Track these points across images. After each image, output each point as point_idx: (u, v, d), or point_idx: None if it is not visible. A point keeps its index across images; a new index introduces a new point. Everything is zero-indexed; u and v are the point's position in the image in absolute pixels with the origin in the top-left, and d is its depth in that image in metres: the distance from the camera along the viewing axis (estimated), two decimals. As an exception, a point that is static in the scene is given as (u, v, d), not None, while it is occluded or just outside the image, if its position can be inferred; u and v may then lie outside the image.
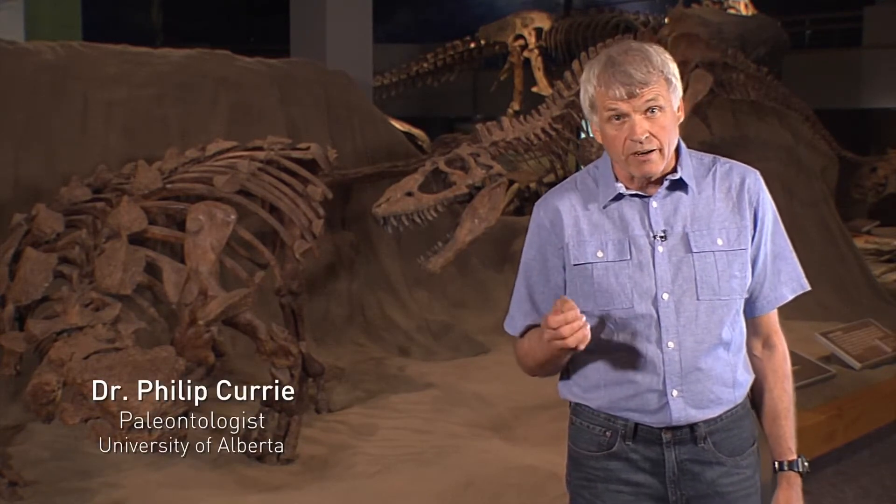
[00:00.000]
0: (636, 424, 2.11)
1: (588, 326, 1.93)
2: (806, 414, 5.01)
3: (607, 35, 9.90)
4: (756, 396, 2.23)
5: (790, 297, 2.19)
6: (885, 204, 12.23)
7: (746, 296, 2.14)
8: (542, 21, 12.19)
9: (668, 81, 2.04)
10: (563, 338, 1.91)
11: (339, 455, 4.41)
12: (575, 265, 2.12)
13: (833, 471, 5.05)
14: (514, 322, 2.25)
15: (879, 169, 11.88)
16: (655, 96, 2.01)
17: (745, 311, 2.16)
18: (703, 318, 2.06)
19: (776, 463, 2.22)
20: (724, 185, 2.11)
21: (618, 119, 2.03)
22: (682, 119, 2.10)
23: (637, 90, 1.99)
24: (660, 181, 2.09)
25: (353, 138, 6.93)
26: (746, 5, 11.42)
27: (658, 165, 2.04)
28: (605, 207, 2.12)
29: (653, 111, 2.01)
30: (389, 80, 12.15)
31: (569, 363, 2.20)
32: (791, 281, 2.18)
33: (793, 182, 8.31)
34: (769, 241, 2.14)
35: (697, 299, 2.05)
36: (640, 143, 2.01)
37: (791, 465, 2.20)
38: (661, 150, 2.03)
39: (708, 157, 2.16)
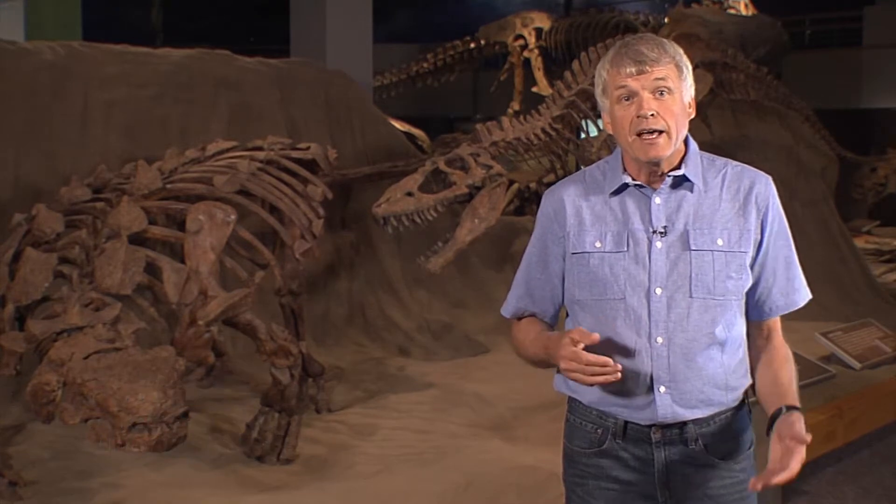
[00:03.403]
0: (626, 422, 2.11)
1: (616, 367, 1.96)
2: (806, 414, 4.99)
3: (607, 35, 9.90)
4: (755, 376, 2.17)
5: (801, 305, 2.18)
6: (885, 204, 12.24)
7: (753, 299, 2.14)
8: (542, 21, 12.19)
9: (679, 69, 2.06)
10: (580, 375, 1.97)
11: (339, 455, 4.41)
12: (573, 254, 2.14)
13: (833, 471, 5.05)
14: (507, 304, 2.31)
15: (879, 169, 11.89)
16: (665, 77, 2.03)
17: (749, 314, 2.16)
18: (696, 315, 2.06)
19: (775, 410, 2.04)
20: (732, 187, 2.11)
21: (627, 100, 2.04)
22: (692, 115, 2.11)
23: (647, 67, 2.02)
24: (664, 176, 2.09)
25: (353, 138, 6.93)
26: (746, 5, 11.42)
27: (664, 150, 2.04)
28: (609, 198, 2.13)
29: (661, 93, 2.03)
30: (389, 80, 12.15)
31: None
32: (802, 288, 2.18)
33: (793, 182, 8.31)
34: (781, 247, 2.13)
35: (690, 297, 2.05)
36: (647, 119, 2.01)
37: (797, 409, 2.06)
38: (667, 134, 2.03)
39: (720, 160, 2.17)
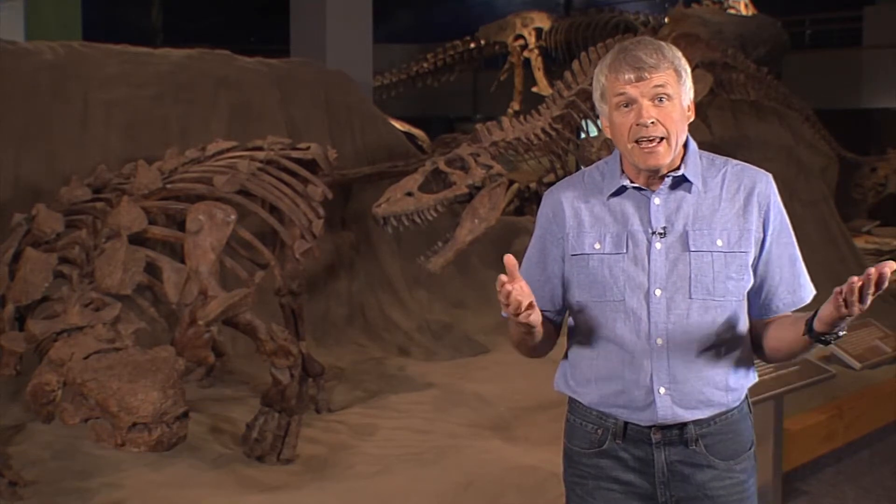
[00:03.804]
0: (626, 423, 2.11)
1: (522, 297, 1.93)
2: (806, 414, 5.01)
3: (607, 35, 9.89)
4: (768, 341, 2.14)
5: (808, 301, 2.17)
6: (885, 204, 12.23)
7: (760, 298, 2.13)
8: (542, 21, 12.19)
9: (678, 74, 2.05)
10: (506, 307, 1.94)
11: (339, 455, 4.41)
12: (573, 255, 2.13)
13: (833, 471, 5.05)
14: None
15: (879, 169, 11.88)
16: (664, 83, 2.02)
17: (756, 314, 2.15)
18: (695, 317, 2.05)
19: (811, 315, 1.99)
20: (732, 186, 2.10)
21: (626, 106, 2.03)
22: (691, 118, 2.10)
23: (646, 74, 2.00)
24: (664, 177, 2.09)
25: (353, 138, 6.93)
26: (746, 5, 11.42)
27: (664, 158, 2.03)
28: (608, 200, 2.12)
29: (661, 99, 2.02)
30: (389, 80, 12.16)
31: (565, 355, 2.24)
32: (807, 285, 2.17)
33: (793, 182, 8.30)
34: (784, 245, 2.12)
35: (690, 298, 2.05)
36: (646, 126, 2.00)
37: None
38: (667, 140, 2.02)
39: (720, 159, 2.16)
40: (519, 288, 1.93)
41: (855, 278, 1.82)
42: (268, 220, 4.65)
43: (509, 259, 1.94)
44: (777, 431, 4.41)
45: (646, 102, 2.01)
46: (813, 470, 4.97)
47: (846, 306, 1.85)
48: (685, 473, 2.11)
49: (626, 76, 2.01)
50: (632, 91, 2.02)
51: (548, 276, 2.20)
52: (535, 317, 1.99)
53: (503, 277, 1.92)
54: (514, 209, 10.07)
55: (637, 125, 2.01)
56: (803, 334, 2.00)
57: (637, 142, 2.02)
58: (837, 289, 1.86)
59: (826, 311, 1.92)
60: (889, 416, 5.59)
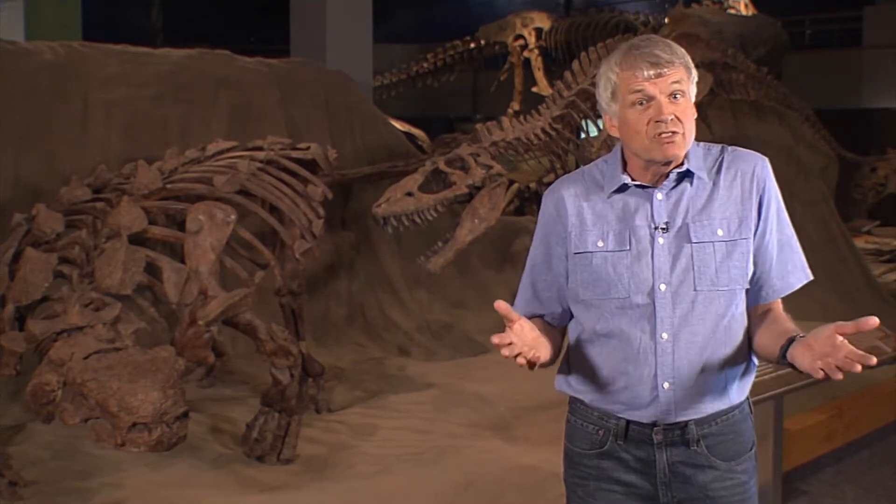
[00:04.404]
0: (627, 423, 2.11)
1: (523, 347, 1.92)
2: (806, 414, 5.01)
3: (607, 35, 9.89)
4: (757, 341, 2.13)
5: (797, 287, 2.16)
6: (885, 204, 12.24)
7: (753, 285, 2.11)
8: (542, 21, 12.20)
9: (688, 71, 2.06)
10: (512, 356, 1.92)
11: (339, 455, 4.41)
12: (576, 254, 2.13)
13: (833, 471, 5.05)
14: (516, 309, 2.25)
15: (879, 169, 11.89)
16: (679, 80, 2.02)
17: (749, 300, 2.13)
18: (700, 309, 2.05)
19: (791, 336, 1.98)
20: (730, 173, 2.10)
21: (642, 104, 2.03)
22: (695, 116, 2.11)
23: (665, 70, 2.01)
24: (667, 174, 2.09)
25: (353, 138, 6.93)
26: (746, 5, 11.43)
27: (681, 148, 2.04)
28: (609, 198, 2.12)
29: (676, 96, 2.02)
30: (389, 80, 12.16)
31: (566, 355, 2.23)
32: (797, 270, 2.15)
33: (793, 182, 8.30)
34: (775, 230, 2.12)
35: (695, 290, 2.05)
36: (666, 123, 2.00)
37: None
38: (683, 135, 2.03)
39: (716, 147, 2.16)
40: (518, 333, 1.93)
41: (841, 356, 1.81)
42: (268, 220, 4.66)
43: (501, 305, 1.91)
44: (777, 431, 4.41)
45: (664, 99, 2.01)
46: (813, 470, 4.97)
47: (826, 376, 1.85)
48: (687, 474, 2.10)
49: (646, 73, 2.01)
50: (650, 88, 2.01)
51: (554, 275, 2.19)
52: (544, 352, 2.01)
53: (495, 339, 1.90)
54: (514, 209, 10.07)
55: (657, 122, 2.01)
56: (777, 360, 2.01)
57: (654, 137, 2.02)
58: (820, 364, 1.84)
59: (803, 363, 1.91)
60: (889, 416, 5.59)
